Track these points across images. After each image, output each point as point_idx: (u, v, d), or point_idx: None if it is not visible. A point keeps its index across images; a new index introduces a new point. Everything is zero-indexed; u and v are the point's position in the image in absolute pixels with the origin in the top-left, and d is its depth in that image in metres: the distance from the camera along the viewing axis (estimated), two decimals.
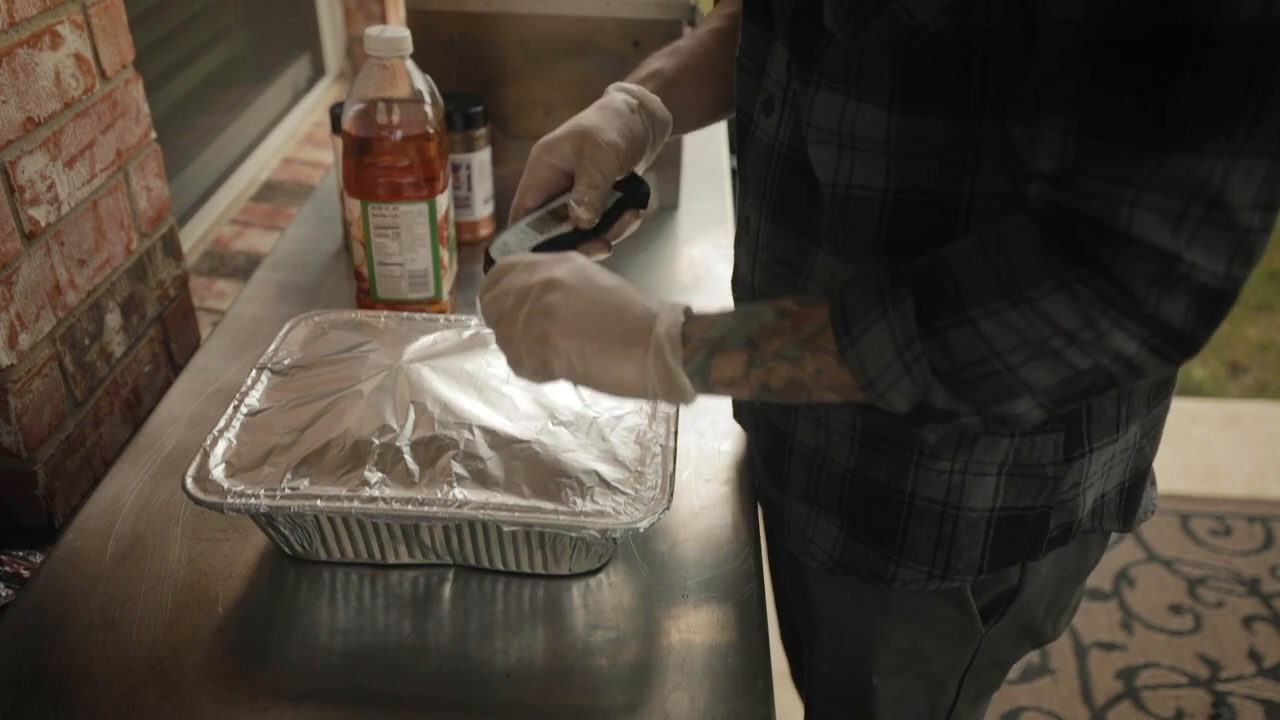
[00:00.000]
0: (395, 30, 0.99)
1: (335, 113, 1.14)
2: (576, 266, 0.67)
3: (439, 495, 0.73)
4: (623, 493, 0.74)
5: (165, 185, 1.07)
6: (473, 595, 0.78)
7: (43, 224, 0.86)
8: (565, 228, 0.78)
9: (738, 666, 0.72)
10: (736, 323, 0.62)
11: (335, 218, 1.30)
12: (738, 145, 0.79)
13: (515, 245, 0.77)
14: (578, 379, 0.66)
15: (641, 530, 0.72)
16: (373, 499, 0.72)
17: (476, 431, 0.77)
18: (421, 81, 1.01)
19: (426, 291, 1.08)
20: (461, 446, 0.75)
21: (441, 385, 0.81)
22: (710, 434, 0.94)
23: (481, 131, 1.21)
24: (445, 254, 1.08)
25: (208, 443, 0.77)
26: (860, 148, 0.64)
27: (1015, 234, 0.55)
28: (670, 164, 1.34)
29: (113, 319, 0.98)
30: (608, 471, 0.75)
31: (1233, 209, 0.50)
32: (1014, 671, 1.77)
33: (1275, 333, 2.79)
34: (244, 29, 1.67)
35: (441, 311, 1.09)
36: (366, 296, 1.09)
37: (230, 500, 0.72)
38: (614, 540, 0.77)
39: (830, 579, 0.81)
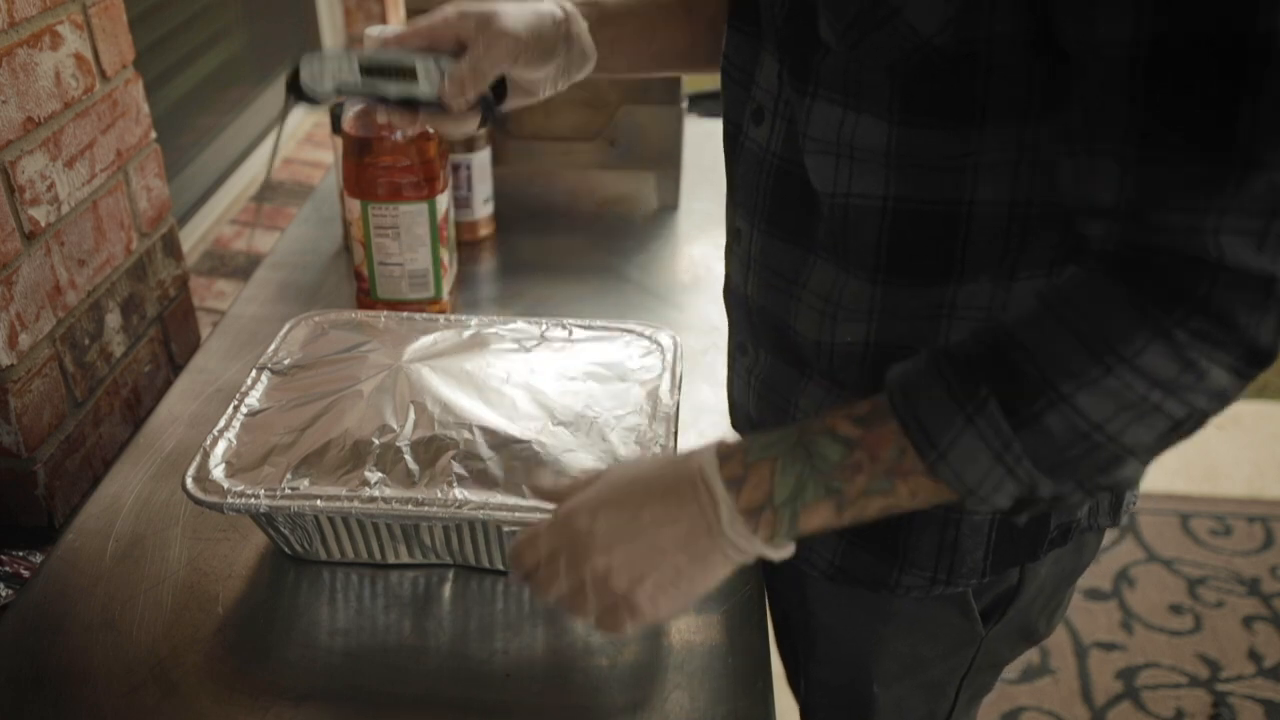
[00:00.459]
0: (395, 30, 0.98)
1: (335, 113, 1.14)
2: (600, 512, 0.60)
3: (439, 495, 0.73)
4: None
5: (165, 185, 1.07)
6: (473, 595, 0.78)
7: (43, 224, 0.86)
8: (392, 88, 0.73)
9: (738, 666, 0.72)
10: (800, 469, 0.56)
11: (335, 218, 1.30)
12: (726, 155, 0.77)
13: (330, 74, 0.72)
14: (673, 612, 0.61)
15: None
16: (373, 499, 0.72)
17: (476, 431, 0.77)
18: None
19: (426, 291, 1.08)
20: (461, 446, 0.75)
21: (441, 385, 0.81)
22: (710, 434, 0.94)
23: (481, 131, 1.21)
24: (445, 254, 1.08)
25: (208, 443, 0.77)
26: (860, 158, 0.63)
27: (1087, 290, 0.52)
28: (670, 164, 1.34)
29: (113, 319, 0.98)
30: None
31: None
32: (1014, 671, 1.77)
33: None
34: (244, 29, 1.67)
35: (441, 311, 1.09)
36: (366, 296, 1.09)
37: (230, 500, 0.72)
38: None
39: (831, 586, 0.80)
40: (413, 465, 0.74)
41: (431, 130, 1.01)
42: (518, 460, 0.75)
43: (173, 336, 1.11)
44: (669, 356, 0.88)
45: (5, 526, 0.88)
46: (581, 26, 0.78)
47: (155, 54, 1.34)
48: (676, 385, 0.85)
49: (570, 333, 0.91)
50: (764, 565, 0.83)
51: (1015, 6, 0.53)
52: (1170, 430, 0.53)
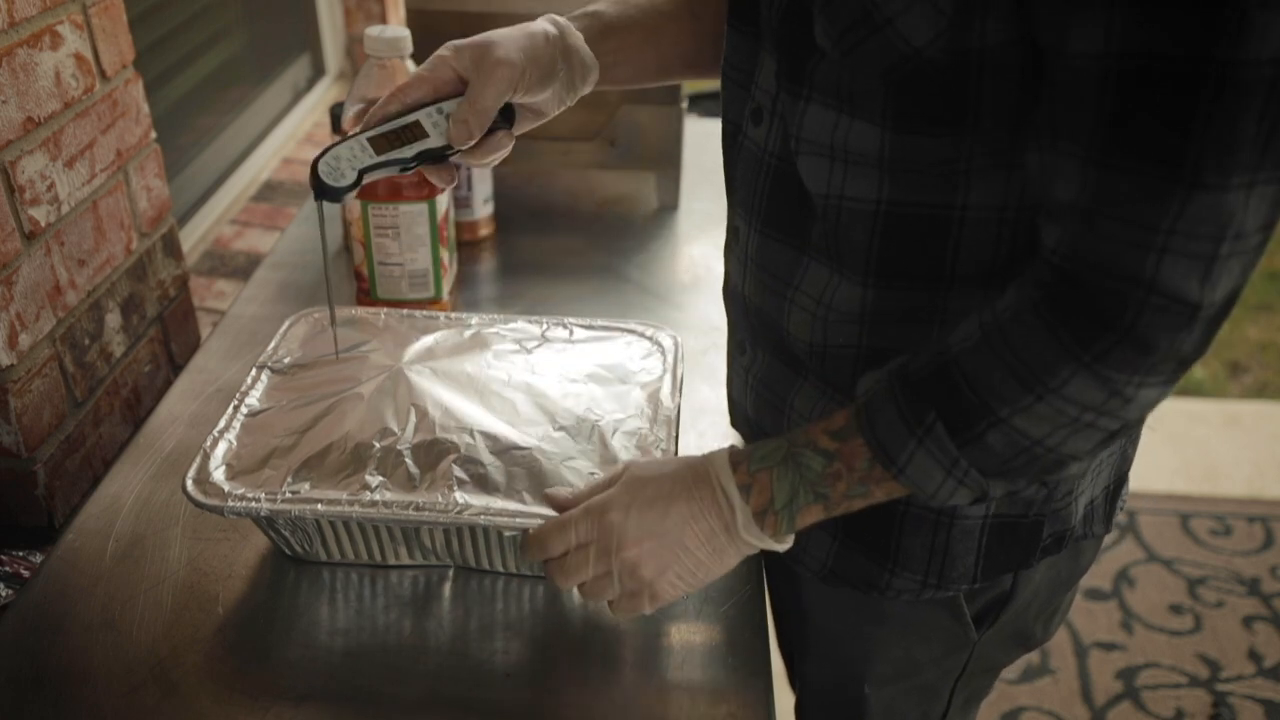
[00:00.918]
0: (395, 30, 0.99)
1: (335, 113, 1.14)
2: (632, 509, 0.67)
3: (440, 500, 0.72)
4: None
5: (165, 185, 1.07)
6: (473, 595, 0.78)
7: (43, 224, 0.86)
8: (409, 151, 0.73)
9: (738, 666, 0.72)
10: (792, 478, 0.64)
11: (335, 218, 1.30)
12: (725, 154, 0.77)
13: (348, 162, 0.73)
14: (686, 594, 0.70)
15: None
16: (373, 503, 0.72)
17: (478, 436, 0.76)
18: None
19: (426, 291, 1.08)
20: (462, 451, 0.75)
21: (442, 388, 0.81)
22: (710, 435, 0.94)
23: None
24: (445, 254, 1.08)
25: (208, 444, 0.77)
26: (853, 161, 0.63)
27: (1019, 324, 0.56)
28: (670, 164, 1.34)
29: (113, 319, 0.98)
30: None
31: (1248, 235, 0.51)
32: (1014, 672, 1.77)
33: (1275, 333, 2.79)
34: (244, 29, 1.67)
35: (441, 311, 1.09)
36: (366, 296, 1.09)
37: (231, 504, 0.72)
38: None
39: (824, 588, 0.80)
40: (413, 469, 0.74)
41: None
42: (518, 467, 0.75)
43: (173, 336, 1.11)
44: (670, 358, 0.88)
45: (5, 526, 0.88)
46: (578, 39, 0.77)
47: (155, 54, 1.34)
48: (678, 388, 0.85)
49: (571, 332, 0.91)
50: (763, 565, 0.83)
51: (1005, 18, 0.54)
52: (1107, 438, 0.58)
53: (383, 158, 0.73)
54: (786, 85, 0.66)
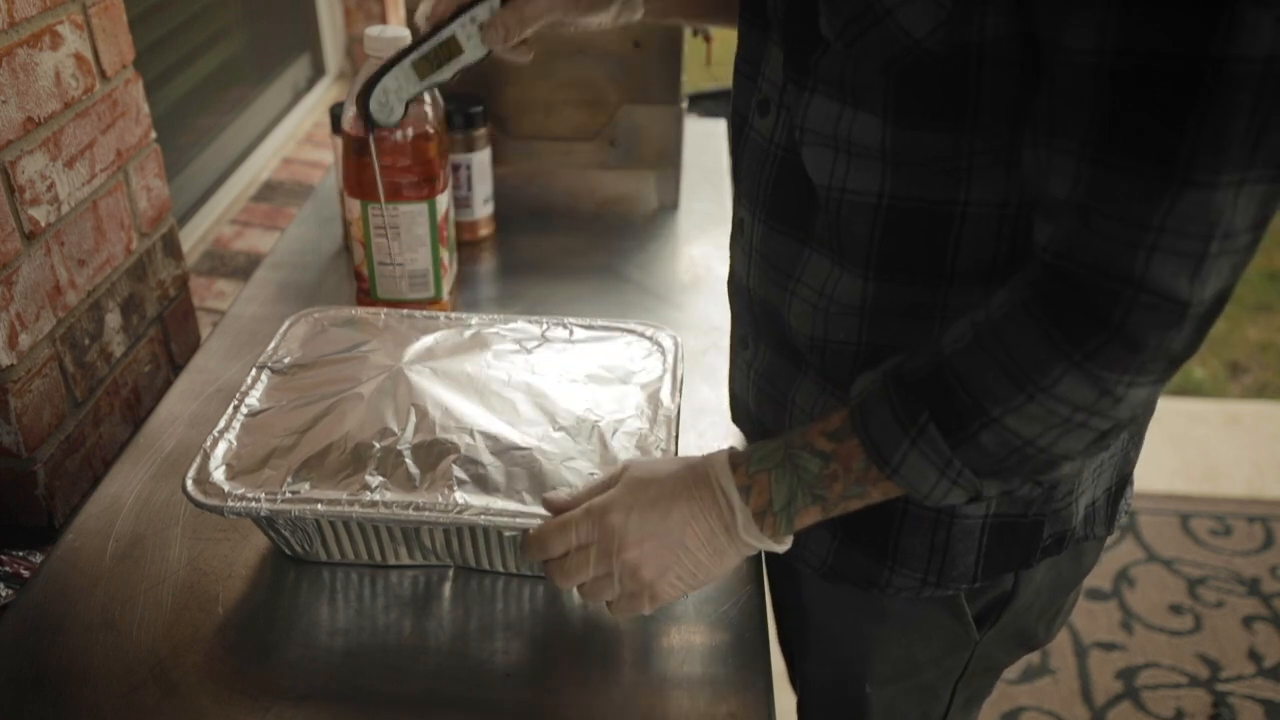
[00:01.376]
0: (395, 30, 0.99)
1: (335, 113, 1.14)
2: (633, 510, 0.67)
3: (440, 500, 0.72)
4: None
5: (165, 185, 1.07)
6: (473, 595, 0.78)
7: (43, 224, 0.86)
8: (447, 71, 0.76)
9: (738, 666, 0.72)
10: (790, 480, 0.65)
11: (335, 218, 1.30)
12: (732, 146, 0.78)
13: (395, 95, 0.75)
14: (686, 594, 0.70)
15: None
16: (373, 503, 0.72)
17: (478, 436, 0.76)
18: None
19: (426, 291, 1.08)
20: (462, 451, 0.75)
21: (442, 388, 0.81)
22: (710, 435, 0.94)
23: (481, 131, 1.21)
24: (445, 254, 1.08)
25: (208, 444, 0.77)
26: (855, 153, 0.64)
27: (1011, 324, 0.57)
28: (670, 164, 1.34)
29: (113, 319, 0.98)
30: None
31: (1237, 234, 0.51)
32: (1014, 672, 1.77)
33: (1275, 333, 2.79)
34: (244, 29, 1.67)
35: (442, 311, 1.09)
36: (366, 296, 1.09)
37: (231, 504, 0.72)
38: None
39: (824, 585, 0.80)
40: (413, 469, 0.74)
41: (432, 131, 1.01)
42: (518, 467, 0.75)
43: (173, 336, 1.10)
44: (670, 358, 0.88)
45: (5, 526, 0.88)
46: None
47: (155, 54, 1.34)
48: (678, 388, 0.85)
49: (571, 332, 0.91)
50: (764, 564, 0.83)
51: (1004, 12, 0.54)
52: (1099, 438, 0.58)
53: (425, 83, 0.75)
54: (792, 76, 0.66)
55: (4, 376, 0.83)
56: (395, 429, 0.77)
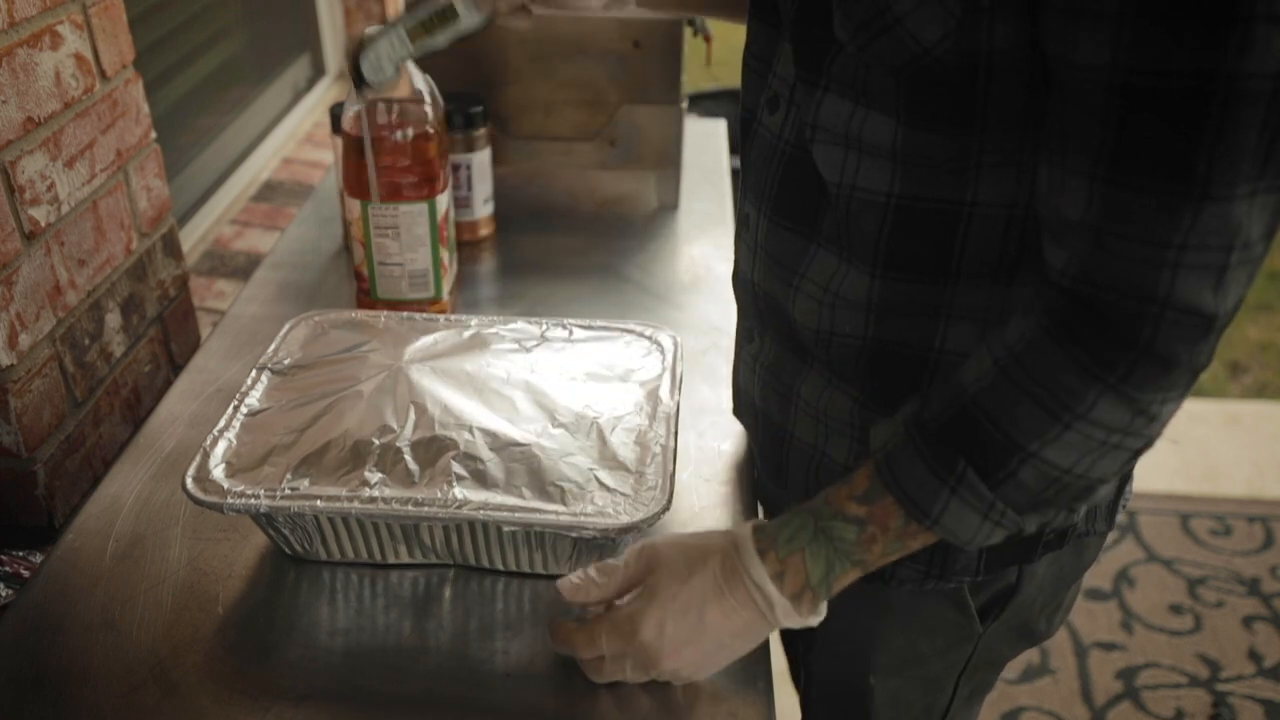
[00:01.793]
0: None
1: (335, 113, 1.14)
2: (666, 624, 0.65)
3: (439, 496, 0.72)
4: (623, 493, 0.74)
5: (165, 185, 1.07)
6: (473, 595, 0.78)
7: (43, 224, 0.86)
8: (441, 38, 0.76)
9: (738, 666, 0.72)
10: (827, 551, 0.63)
11: (335, 218, 1.30)
12: (740, 141, 0.78)
13: (387, 57, 0.76)
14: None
15: (642, 530, 0.72)
16: (373, 499, 0.72)
17: (477, 433, 0.77)
18: (421, 81, 1.01)
19: (426, 291, 1.08)
20: (461, 447, 0.75)
21: (441, 386, 0.81)
22: (710, 434, 0.94)
23: (481, 131, 1.21)
24: (445, 254, 1.08)
25: (208, 443, 0.77)
26: (867, 151, 0.64)
27: (1037, 353, 0.56)
28: (670, 164, 1.34)
29: (113, 319, 0.98)
30: (608, 473, 0.75)
31: (1253, 244, 0.52)
32: (1014, 671, 1.77)
33: (1275, 333, 2.79)
34: (244, 29, 1.67)
35: (441, 311, 1.09)
36: (366, 296, 1.09)
37: (230, 501, 0.72)
38: (614, 540, 0.77)
39: None
40: (413, 466, 0.74)
41: (432, 131, 1.01)
42: (517, 463, 0.75)
43: (173, 336, 1.11)
44: (669, 357, 0.88)
45: (5, 526, 0.88)
46: None
47: (155, 54, 1.35)
48: (677, 386, 0.85)
49: (570, 333, 0.91)
50: None
51: (1014, 22, 0.54)
52: (1133, 457, 0.58)
53: (419, 47, 0.76)
54: (802, 75, 0.67)
55: (4, 376, 0.83)
56: (394, 426, 0.77)
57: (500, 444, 0.76)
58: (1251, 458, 2.30)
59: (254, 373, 0.85)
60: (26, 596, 0.77)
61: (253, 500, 0.72)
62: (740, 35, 0.79)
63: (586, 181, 1.43)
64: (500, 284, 1.22)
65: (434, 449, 0.75)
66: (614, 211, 1.37)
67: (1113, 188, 0.52)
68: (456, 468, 0.74)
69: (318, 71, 1.97)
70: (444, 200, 1.06)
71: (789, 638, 0.97)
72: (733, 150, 1.61)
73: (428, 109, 1.01)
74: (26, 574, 0.82)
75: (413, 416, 0.78)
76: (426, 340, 0.88)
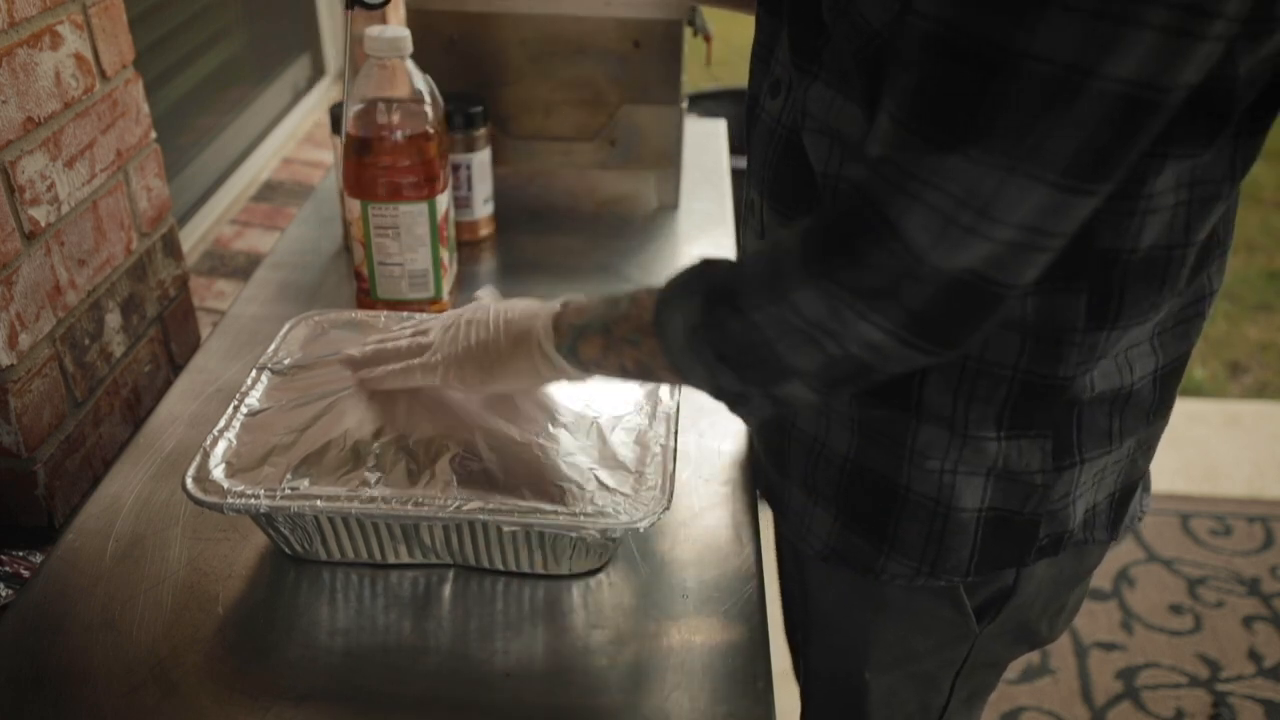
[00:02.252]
0: (395, 30, 0.99)
1: (335, 113, 1.14)
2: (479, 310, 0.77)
3: (439, 496, 0.73)
4: (623, 493, 0.74)
5: (165, 185, 1.07)
6: (473, 595, 0.78)
7: (43, 224, 0.86)
8: None
9: (738, 666, 0.72)
10: (602, 310, 0.70)
11: (335, 218, 1.30)
12: (745, 127, 0.79)
13: None
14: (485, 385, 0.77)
15: (641, 530, 0.72)
16: (372, 499, 0.72)
17: (476, 433, 0.77)
18: (421, 81, 1.01)
19: (426, 291, 1.08)
20: (461, 447, 0.75)
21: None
22: (710, 434, 0.94)
23: (481, 131, 1.21)
24: (445, 254, 1.08)
25: (208, 443, 0.77)
26: (844, 142, 0.65)
27: (787, 240, 0.60)
28: (670, 164, 1.34)
29: (113, 319, 0.98)
30: (608, 472, 0.75)
31: (997, 221, 0.52)
32: (1014, 671, 1.77)
33: (1275, 333, 2.79)
34: (244, 29, 1.67)
35: (441, 311, 1.09)
36: (366, 296, 1.09)
37: (230, 500, 0.72)
38: (614, 540, 0.77)
39: (825, 569, 0.82)
40: (412, 465, 0.74)
41: (432, 131, 1.01)
42: (517, 462, 0.75)
43: (173, 336, 1.11)
44: None
45: (5, 526, 0.88)
46: None
47: (155, 54, 1.35)
48: (677, 385, 0.85)
49: None
50: (774, 549, 0.84)
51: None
52: (828, 363, 0.60)
53: None
54: (796, 61, 0.68)
55: (4, 376, 0.83)
56: (394, 426, 0.77)
57: (500, 443, 0.76)
58: (1251, 458, 2.30)
59: (254, 373, 0.85)
60: (26, 596, 0.77)
61: (253, 500, 0.72)
62: (741, 36, 0.80)
63: (586, 181, 1.43)
64: (500, 284, 1.22)
65: (434, 449, 0.75)
66: (614, 211, 1.37)
67: (898, 126, 0.54)
68: (457, 468, 0.74)
69: (318, 71, 1.97)
70: (444, 200, 1.06)
71: (789, 627, 0.97)
72: (733, 150, 1.61)
73: (428, 109, 1.01)
74: (26, 574, 0.82)
75: (412, 416, 0.78)
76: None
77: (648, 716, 0.69)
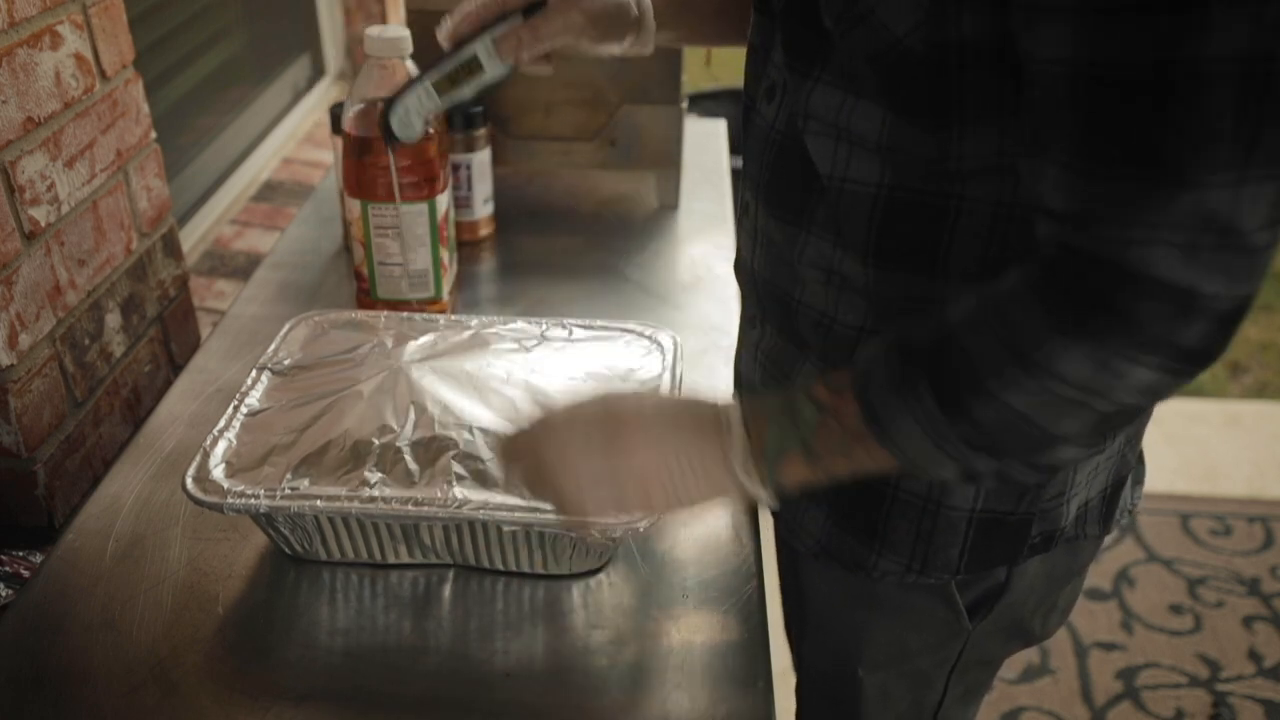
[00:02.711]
0: (395, 30, 0.99)
1: (335, 113, 1.14)
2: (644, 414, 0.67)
3: (439, 495, 0.73)
4: None
5: (165, 185, 1.07)
6: (473, 595, 0.78)
7: (43, 224, 0.86)
8: (467, 89, 0.78)
9: (738, 666, 0.72)
10: (784, 425, 0.64)
11: (335, 218, 1.30)
12: (741, 129, 0.79)
13: (416, 112, 0.78)
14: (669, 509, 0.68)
15: (641, 530, 0.72)
16: (372, 499, 0.72)
17: (476, 433, 0.77)
18: None
19: (426, 291, 1.08)
20: (461, 447, 0.75)
21: (441, 386, 0.81)
22: None
23: (481, 131, 1.21)
24: (445, 254, 1.08)
25: (208, 443, 0.77)
26: (856, 142, 0.64)
27: (1016, 300, 0.56)
28: (670, 164, 1.34)
29: (113, 319, 0.98)
30: None
31: (1244, 233, 0.51)
32: (1014, 672, 1.77)
33: (1275, 333, 2.79)
34: (244, 29, 1.67)
35: (441, 311, 1.09)
36: (366, 296, 1.09)
37: (230, 500, 0.72)
38: (614, 540, 0.77)
39: (818, 566, 0.82)
40: (412, 465, 0.74)
41: (432, 131, 1.01)
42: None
43: (173, 336, 1.11)
44: (669, 357, 0.88)
45: (5, 526, 0.89)
46: (649, 14, 0.82)
47: (155, 54, 1.34)
48: (677, 386, 0.85)
49: (570, 333, 0.91)
50: (774, 548, 0.84)
51: (983, 14, 0.54)
52: (1100, 421, 0.57)
53: (446, 100, 0.78)
54: (792, 65, 0.68)
55: (4, 376, 0.83)
56: (394, 426, 0.77)
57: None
58: (1251, 458, 2.30)
59: (254, 373, 0.85)
60: (26, 596, 0.77)
61: (253, 500, 0.72)
62: None
63: (586, 181, 1.43)
64: (500, 284, 1.22)
65: (434, 449, 0.75)
66: (614, 211, 1.37)
67: (1086, 178, 0.52)
68: (456, 468, 0.74)
69: (318, 71, 1.97)
70: (444, 200, 1.06)
71: (787, 621, 0.98)
72: (733, 150, 1.61)
73: None
74: (26, 574, 0.82)
75: (413, 416, 0.78)
76: (426, 340, 0.88)
77: (648, 716, 0.69)
